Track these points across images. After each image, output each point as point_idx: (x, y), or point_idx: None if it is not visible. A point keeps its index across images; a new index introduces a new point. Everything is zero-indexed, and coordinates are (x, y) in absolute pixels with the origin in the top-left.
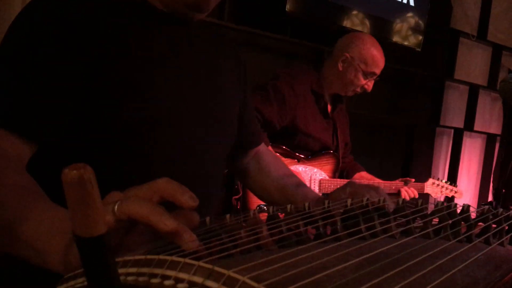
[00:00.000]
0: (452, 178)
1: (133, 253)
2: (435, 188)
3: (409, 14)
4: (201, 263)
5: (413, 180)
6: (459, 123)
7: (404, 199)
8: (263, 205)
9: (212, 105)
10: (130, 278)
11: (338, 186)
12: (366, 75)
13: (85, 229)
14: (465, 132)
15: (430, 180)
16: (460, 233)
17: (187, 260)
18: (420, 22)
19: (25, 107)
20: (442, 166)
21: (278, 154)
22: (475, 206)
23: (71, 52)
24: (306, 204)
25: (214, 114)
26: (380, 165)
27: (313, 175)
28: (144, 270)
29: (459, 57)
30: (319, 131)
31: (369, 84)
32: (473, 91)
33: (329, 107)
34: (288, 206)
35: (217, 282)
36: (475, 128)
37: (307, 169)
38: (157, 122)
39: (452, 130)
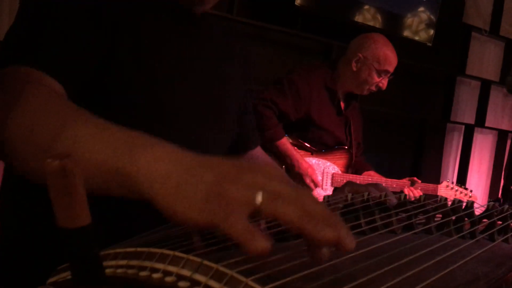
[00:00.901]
0: (463, 175)
1: (125, 244)
2: (449, 191)
3: (421, 9)
4: (190, 257)
5: (420, 181)
6: (470, 119)
7: (405, 195)
8: None
9: (214, 98)
10: (119, 270)
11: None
12: (380, 73)
13: (69, 220)
14: (476, 128)
15: (444, 183)
16: (463, 229)
17: (177, 253)
18: (432, 16)
19: (56, 52)
20: (452, 162)
21: (291, 146)
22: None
23: (92, 22)
24: None
25: (216, 108)
26: (391, 160)
27: (326, 169)
28: (134, 262)
29: (471, 52)
30: (333, 126)
31: (383, 82)
32: (485, 87)
33: (342, 105)
34: None
35: (205, 275)
36: (487, 124)
37: (320, 162)
38: (159, 112)
39: (463, 126)
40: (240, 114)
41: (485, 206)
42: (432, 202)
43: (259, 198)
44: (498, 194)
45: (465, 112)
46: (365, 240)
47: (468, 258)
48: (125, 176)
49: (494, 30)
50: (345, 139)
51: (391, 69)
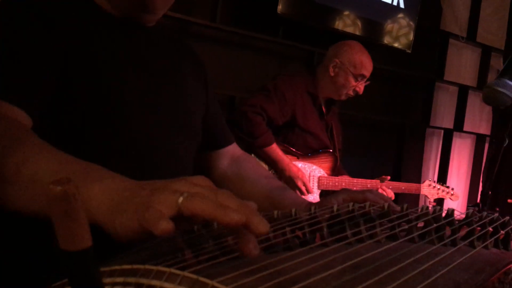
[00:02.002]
0: (442, 178)
1: (120, 261)
2: (432, 190)
3: (400, 16)
4: (186, 273)
5: (389, 177)
6: (449, 124)
7: (389, 204)
8: None
9: (174, 103)
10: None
11: (336, 183)
12: (356, 77)
13: (71, 243)
14: (454, 133)
15: (427, 182)
16: (444, 237)
17: (173, 270)
18: (411, 23)
19: (21, 83)
20: (432, 166)
21: (281, 152)
22: (465, 205)
23: (43, 46)
24: (293, 210)
25: (177, 115)
26: (372, 164)
27: (312, 172)
28: (131, 279)
29: (449, 58)
30: (317, 129)
31: (360, 87)
32: (463, 92)
33: (324, 110)
34: (275, 212)
35: None
36: (465, 129)
37: (306, 165)
38: (120, 122)
39: (442, 131)
40: (207, 115)
41: (465, 214)
42: (414, 211)
43: (180, 199)
44: (477, 197)
45: (444, 116)
46: (352, 252)
47: (450, 267)
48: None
49: (471, 37)
50: (329, 143)
51: (367, 73)
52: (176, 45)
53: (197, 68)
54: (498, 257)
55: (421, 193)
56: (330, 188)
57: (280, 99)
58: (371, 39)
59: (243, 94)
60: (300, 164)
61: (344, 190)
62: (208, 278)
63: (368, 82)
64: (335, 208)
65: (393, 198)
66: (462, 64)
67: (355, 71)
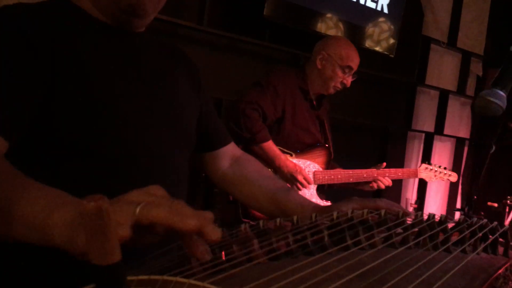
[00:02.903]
0: (423, 181)
1: (137, 271)
2: (429, 173)
3: (383, 21)
4: (206, 284)
5: (385, 164)
6: (430, 127)
7: (386, 211)
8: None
9: (166, 107)
10: None
11: (332, 177)
12: (343, 69)
13: (102, 257)
14: (435, 136)
15: (423, 165)
16: (439, 244)
17: (192, 281)
18: (394, 28)
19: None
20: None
21: (277, 150)
22: (445, 207)
23: (27, 63)
24: (295, 218)
25: (170, 116)
26: (355, 166)
27: (307, 167)
28: None
29: (430, 63)
30: (309, 123)
31: (347, 79)
32: (443, 96)
33: (315, 104)
34: (278, 220)
35: None
36: (445, 132)
37: (300, 162)
38: (112, 127)
39: (424, 134)
40: (201, 117)
41: (456, 220)
42: (410, 218)
43: (136, 209)
44: (456, 199)
45: (425, 120)
46: (356, 261)
47: (450, 274)
48: (40, 231)
49: (451, 42)
50: (321, 137)
51: (353, 65)
52: (167, 50)
53: (190, 72)
54: (489, 262)
55: (419, 177)
56: (326, 182)
57: (272, 94)
58: (355, 43)
59: (230, 97)
60: (295, 160)
61: (354, 199)
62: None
63: (356, 77)
64: (334, 215)
65: (390, 185)
66: (443, 69)
67: (342, 63)
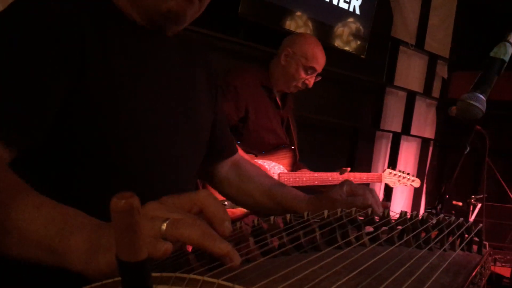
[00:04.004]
0: None
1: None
2: (393, 178)
3: (355, 22)
4: (220, 281)
5: (349, 169)
6: (397, 127)
7: (372, 209)
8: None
9: (185, 116)
10: None
11: (297, 179)
12: (307, 70)
13: (131, 254)
14: (402, 136)
15: (387, 170)
16: (422, 243)
17: (206, 278)
18: (365, 30)
19: (4, 112)
20: (381, 167)
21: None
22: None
23: (52, 61)
24: (288, 216)
25: (188, 124)
26: (325, 165)
27: (272, 169)
28: (162, 287)
29: (399, 65)
30: (273, 123)
31: (310, 80)
32: (411, 97)
33: (279, 103)
34: (271, 218)
35: None
36: (412, 132)
37: (265, 163)
38: (133, 132)
39: (391, 134)
40: (215, 127)
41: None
42: (394, 216)
43: (163, 226)
44: (421, 197)
45: (392, 120)
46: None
47: (439, 271)
48: (55, 253)
49: (419, 45)
50: (286, 138)
51: (318, 67)
52: (193, 55)
53: (210, 81)
54: (466, 259)
55: (383, 182)
56: (291, 184)
57: (233, 95)
58: (325, 43)
59: None
60: (259, 161)
61: (347, 182)
62: (244, 285)
63: (319, 78)
64: (325, 213)
65: None
66: (410, 71)
67: (306, 63)
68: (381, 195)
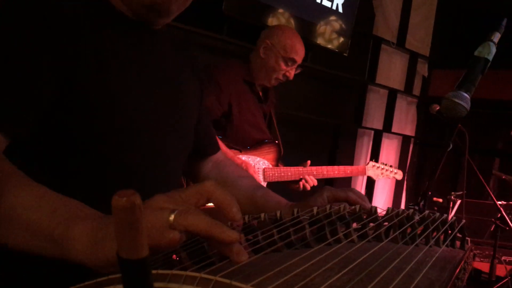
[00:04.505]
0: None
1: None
2: (376, 170)
3: (338, 20)
4: (218, 278)
5: (309, 162)
6: (379, 125)
7: (360, 206)
8: None
9: (174, 111)
10: None
11: (282, 174)
12: (286, 61)
13: (132, 252)
14: (383, 133)
15: (371, 163)
16: (416, 237)
17: (203, 275)
18: (348, 28)
19: None
20: (362, 164)
21: (225, 147)
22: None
23: (46, 52)
24: (278, 213)
25: (176, 120)
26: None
27: (256, 164)
28: (159, 284)
29: (381, 63)
30: (257, 118)
31: (290, 72)
32: (392, 95)
33: (262, 97)
34: (262, 215)
35: None
36: (393, 130)
37: (249, 158)
38: (124, 125)
39: (373, 131)
40: (198, 124)
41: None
42: (381, 213)
43: (171, 216)
44: (402, 193)
45: (374, 118)
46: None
47: (428, 266)
48: (58, 243)
49: (400, 43)
50: (269, 133)
51: (297, 58)
52: (180, 51)
53: (196, 76)
54: (451, 255)
55: (367, 174)
56: (276, 180)
57: (216, 89)
58: (307, 41)
59: None
60: (243, 157)
61: (327, 188)
62: (243, 282)
63: (300, 70)
64: (315, 210)
65: (315, 184)
66: (392, 69)
67: (285, 54)
68: (363, 192)
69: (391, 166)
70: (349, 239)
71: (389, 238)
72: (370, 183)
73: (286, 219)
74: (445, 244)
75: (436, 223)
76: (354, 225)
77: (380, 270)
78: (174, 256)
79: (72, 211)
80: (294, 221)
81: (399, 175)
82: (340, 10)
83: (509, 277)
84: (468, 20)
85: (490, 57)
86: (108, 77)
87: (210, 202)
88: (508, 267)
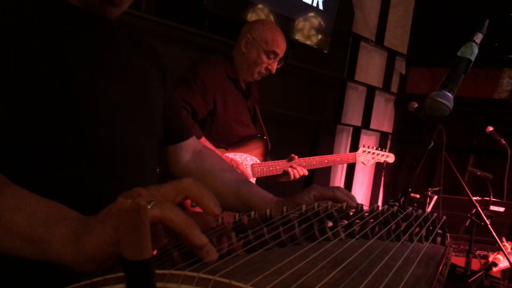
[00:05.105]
0: (350, 171)
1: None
2: (367, 156)
3: (318, 17)
4: (217, 278)
5: (296, 157)
6: (357, 121)
7: (347, 204)
8: None
9: (138, 100)
10: None
11: (271, 168)
12: (268, 54)
13: (136, 253)
14: (362, 130)
15: (361, 149)
16: (400, 234)
17: (202, 275)
18: (328, 25)
19: None
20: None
21: (212, 146)
22: (368, 199)
23: (2, 53)
24: (268, 211)
25: (142, 110)
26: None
27: (244, 161)
28: (158, 285)
29: (360, 60)
30: (242, 115)
31: (272, 65)
32: (370, 92)
33: (246, 93)
34: (252, 213)
35: None
36: (371, 127)
37: (237, 156)
38: (87, 122)
39: (351, 128)
40: (166, 110)
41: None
42: (367, 210)
43: (148, 206)
44: (379, 189)
45: (353, 115)
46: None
47: (415, 265)
48: (38, 244)
49: (379, 41)
50: (255, 128)
51: (279, 51)
52: (136, 42)
53: (156, 64)
54: (433, 251)
55: (358, 161)
56: (265, 175)
57: (201, 88)
58: (290, 37)
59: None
60: (230, 155)
61: (314, 187)
62: (243, 282)
63: (282, 63)
64: (303, 208)
65: (306, 174)
66: (370, 66)
67: (266, 48)
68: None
69: (382, 149)
70: (338, 237)
71: (377, 236)
72: (349, 179)
73: (276, 217)
74: (430, 241)
75: (419, 220)
76: (344, 222)
77: (370, 268)
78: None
79: (52, 212)
80: (284, 219)
81: (391, 158)
82: (321, 7)
83: (483, 271)
84: (444, 19)
85: (473, 58)
86: (67, 72)
87: (187, 199)
88: (482, 261)
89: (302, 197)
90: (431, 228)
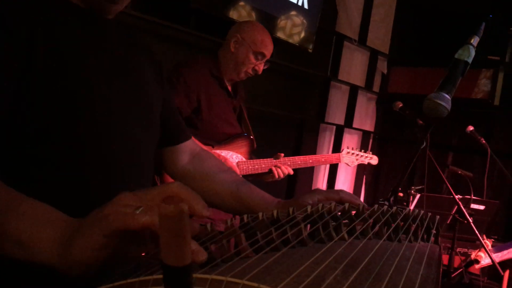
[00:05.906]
0: (333, 170)
1: (152, 271)
2: (351, 157)
3: (304, 16)
4: (245, 282)
5: (283, 154)
6: (340, 120)
7: (349, 204)
8: None
9: (136, 99)
10: None
11: (256, 166)
12: (256, 55)
13: (177, 259)
14: (345, 129)
15: (345, 150)
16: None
17: (229, 279)
18: (313, 24)
19: None
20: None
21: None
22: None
23: (2, 49)
24: (275, 213)
25: (140, 108)
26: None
27: (230, 158)
28: None
29: (343, 59)
30: (227, 113)
31: (259, 66)
32: (353, 91)
33: (231, 92)
34: (260, 215)
35: None
36: (354, 125)
37: (222, 153)
38: (86, 119)
39: (334, 127)
40: (164, 111)
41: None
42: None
43: (137, 211)
44: (361, 187)
45: (336, 114)
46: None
47: (423, 264)
48: (24, 247)
49: (362, 40)
50: (240, 126)
51: (267, 52)
52: (134, 41)
53: (154, 64)
54: (430, 250)
55: (342, 162)
56: (250, 172)
57: (183, 87)
58: (275, 36)
59: None
60: (217, 151)
61: (318, 191)
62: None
63: (268, 65)
64: (309, 209)
65: (291, 173)
66: (353, 65)
67: (255, 48)
68: (324, 187)
69: (365, 151)
70: (351, 238)
71: (385, 237)
72: (332, 178)
73: (283, 219)
74: (430, 240)
75: (417, 220)
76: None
77: (378, 267)
78: (143, 253)
79: (40, 214)
80: (291, 222)
81: (375, 160)
82: (306, 6)
83: (463, 268)
84: (426, 19)
85: (470, 60)
86: (64, 67)
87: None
88: (463, 258)
89: (305, 199)
90: (429, 227)
